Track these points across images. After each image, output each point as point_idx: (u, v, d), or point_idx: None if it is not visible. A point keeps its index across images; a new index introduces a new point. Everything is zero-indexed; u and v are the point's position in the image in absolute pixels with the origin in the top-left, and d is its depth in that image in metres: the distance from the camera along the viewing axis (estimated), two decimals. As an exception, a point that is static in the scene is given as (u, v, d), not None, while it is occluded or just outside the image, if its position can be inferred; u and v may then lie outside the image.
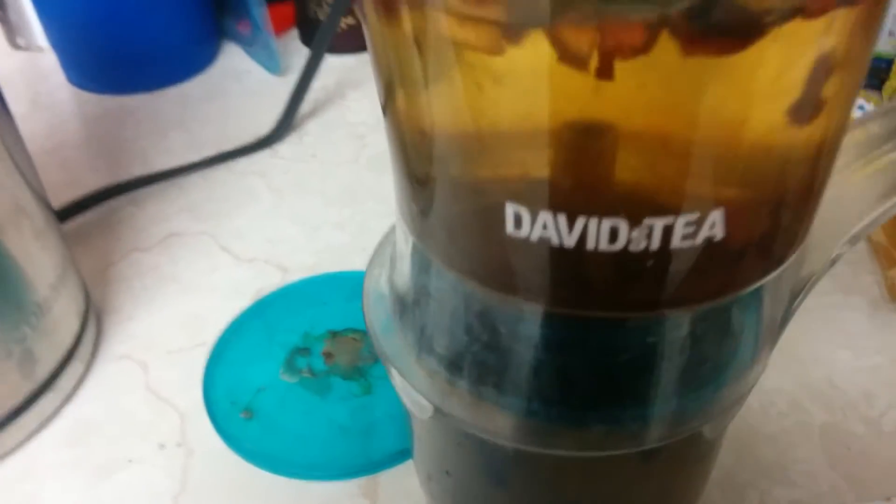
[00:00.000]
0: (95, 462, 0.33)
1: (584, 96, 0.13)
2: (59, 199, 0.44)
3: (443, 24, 0.13)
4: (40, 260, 0.33)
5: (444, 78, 0.14)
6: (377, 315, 0.23)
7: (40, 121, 0.57)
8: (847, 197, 0.20)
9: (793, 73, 0.13)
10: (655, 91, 0.13)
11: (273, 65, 0.58)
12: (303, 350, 0.37)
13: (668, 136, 0.14)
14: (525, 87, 0.13)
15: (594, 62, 0.13)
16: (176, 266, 0.43)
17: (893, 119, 0.22)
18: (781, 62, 0.13)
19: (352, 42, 0.60)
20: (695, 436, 0.20)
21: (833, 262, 0.20)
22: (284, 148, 0.52)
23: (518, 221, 0.15)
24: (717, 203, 0.14)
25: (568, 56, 0.13)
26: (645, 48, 0.12)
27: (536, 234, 0.15)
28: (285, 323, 0.38)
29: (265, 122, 0.53)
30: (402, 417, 0.32)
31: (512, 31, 0.13)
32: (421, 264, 0.20)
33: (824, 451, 0.33)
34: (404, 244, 0.21)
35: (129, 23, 0.56)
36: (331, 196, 0.48)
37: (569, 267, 0.16)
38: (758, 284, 0.17)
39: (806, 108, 0.14)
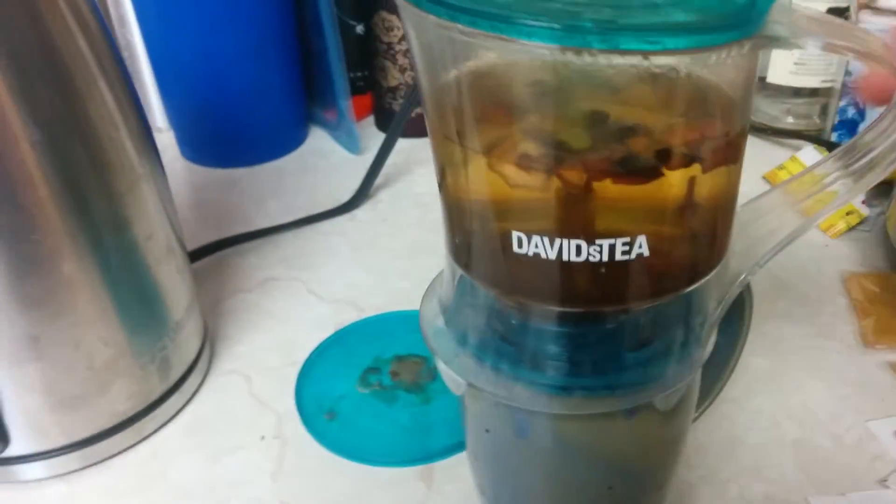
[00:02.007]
0: (211, 448, 0.43)
1: (574, 197, 0.23)
2: (182, 249, 0.55)
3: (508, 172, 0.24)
4: (180, 289, 0.44)
5: (483, 181, 0.24)
6: (430, 324, 0.32)
7: (159, 189, 0.69)
8: (759, 235, 0.28)
9: (676, 190, 0.23)
10: (605, 192, 0.23)
11: (354, 146, 0.69)
12: (374, 369, 0.46)
13: (612, 205, 0.24)
14: (537, 193, 0.24)
15: (580, 185, 0.23)
16: (273, 304, 0.53)
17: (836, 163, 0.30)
18: (671, 186, 0.23)
19: (419, 128, 0.71)
20: (651, 406, 0.28)
21: (746, 281, 0.28)
22: (361, 213, 0.63)
23: (520, 243, 0.25)
24: (640, 233, 0.24)
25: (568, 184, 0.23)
26: (602, 178, 0.23)
27: (531, 251, 0.24)
28: (360, 349, 0.48)
29: (345, 192, 0.64)
30: (454, 420, 0.41)
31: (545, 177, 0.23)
32: (460, 284, 0.29)
33: (795, 458, 0.40)
34: (449, 273, 0.30)
35: (236, 110, 0.68)
36: (398, 252, 0.58)
37: (554, 273, 0.25)
38: (686, 291, 0.26)
39: (687, 206, 0.24)
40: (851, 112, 0.61)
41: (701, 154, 0.24)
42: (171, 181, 0.69)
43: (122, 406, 0.41)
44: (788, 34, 0.23)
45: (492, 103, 0.24)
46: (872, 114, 0.60)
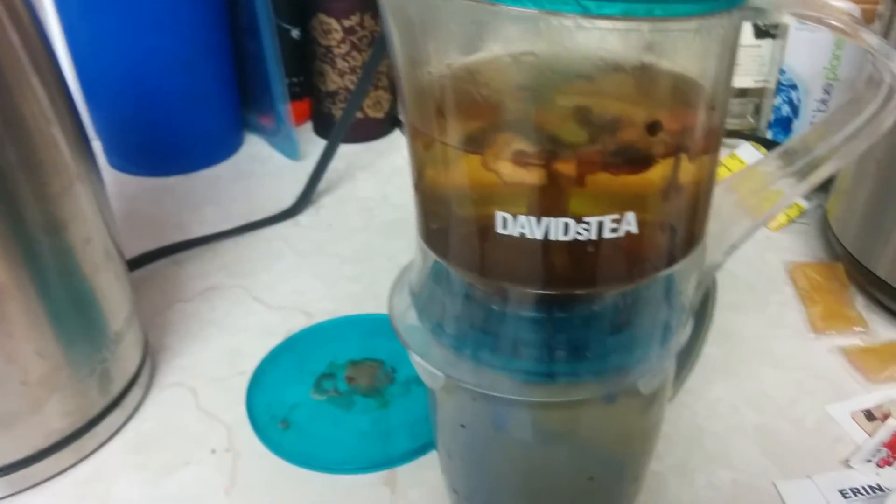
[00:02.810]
0: (158, 464, 0.40)
1: (564, 185, 0.22)
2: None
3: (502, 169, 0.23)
4: (119, 297, 0.41)
5: (468, 173, 0.23)
6: (401, 318, 0.31)
7: (85, 200, 0.65)
8: (729, 221, 0.28)
9: (664, 173, 0.23)
10: (597, 179, 0.22)
11: (293, 152, 0.68)
12: (328, 375, 0.45)
13: (602, 189, 0.23)
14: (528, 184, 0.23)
15: (574, 176, 0.22)
16: (216, 313, 0.51)
17: (778, 161, 0.30)
18: (658, 172, 0.22)
19: (360, 133, 0.70)
20: (631, 391, 0.28)
21: (720, 266, 0.28)
22: (304, 219, 0.61)
23: (505, 223, 0.24)
24: (628, 209, 0.23)
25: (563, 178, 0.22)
26: (596, 170, 0.22)
27: (517, 231, 0.24)
28: (312, 355, 0.46)
29: (284, 199, 0.62)
30: (415, 424, 0.40)
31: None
32: (435, 274, 0.28)
33: (758, 443, 0.40)
34: (422, 262, 0.29)
35: (167, 117, 0.66)
36: (345, 256, 0.56)
37: (539, 254, 0.24)
38: (668, 271, 0.26)
39: (672, 188, 0.23)
40: (786, 110, 0.62)
41: (687, 142, 0.24)
42: (100, 190, 0.66)
43: (58, 423, 0.39)
44: (769, 6, 0.23)
45: (476, 99, 0.23)
46: (805, 112, 0.62)
